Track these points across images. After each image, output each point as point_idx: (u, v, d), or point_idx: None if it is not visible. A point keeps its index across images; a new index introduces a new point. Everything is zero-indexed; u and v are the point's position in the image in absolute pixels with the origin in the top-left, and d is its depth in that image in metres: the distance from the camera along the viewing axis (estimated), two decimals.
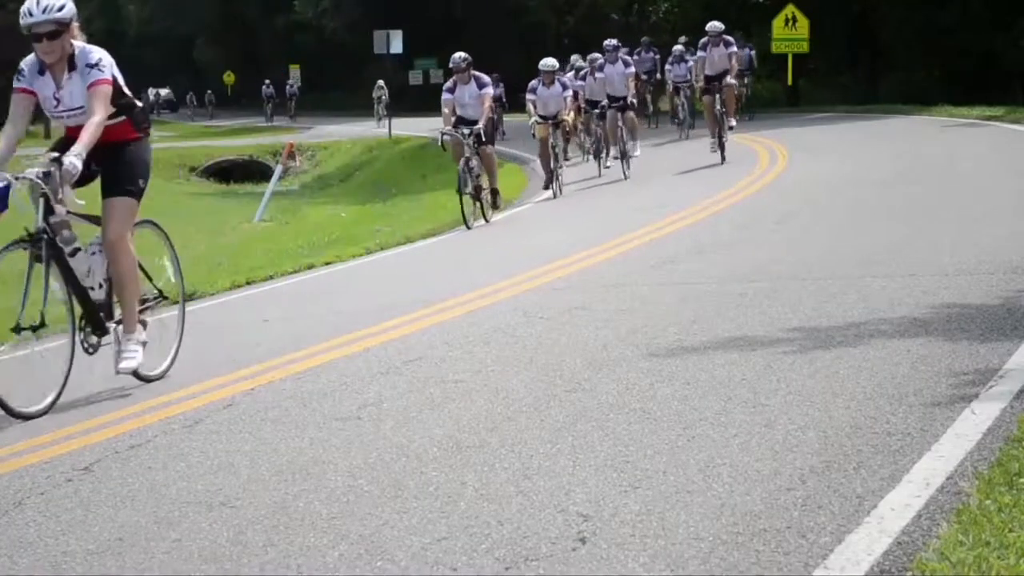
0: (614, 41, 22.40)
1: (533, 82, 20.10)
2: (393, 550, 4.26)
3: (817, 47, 34.15)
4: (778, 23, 35.28)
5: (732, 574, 3.85)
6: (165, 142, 54.24)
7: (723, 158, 21.01)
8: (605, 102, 22.05)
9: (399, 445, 5.56)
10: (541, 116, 19.69)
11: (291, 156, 28.53)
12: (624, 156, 21.22)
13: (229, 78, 76.09)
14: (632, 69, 22.33)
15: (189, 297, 12.06)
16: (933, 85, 36.41)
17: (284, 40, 75.36)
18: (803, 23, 34.05)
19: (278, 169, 27.18)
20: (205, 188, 39.92)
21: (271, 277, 13.23)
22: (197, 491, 5.16)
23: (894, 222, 12.07)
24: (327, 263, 14.04)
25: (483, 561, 4.10)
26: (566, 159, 20.88)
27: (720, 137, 21.35)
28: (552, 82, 19.91)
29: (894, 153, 20.13)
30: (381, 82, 51.27)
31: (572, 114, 20.30)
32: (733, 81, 22.31)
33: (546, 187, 19.65)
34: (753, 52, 30.36)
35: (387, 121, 47.08)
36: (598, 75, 22.62)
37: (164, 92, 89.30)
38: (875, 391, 5.80)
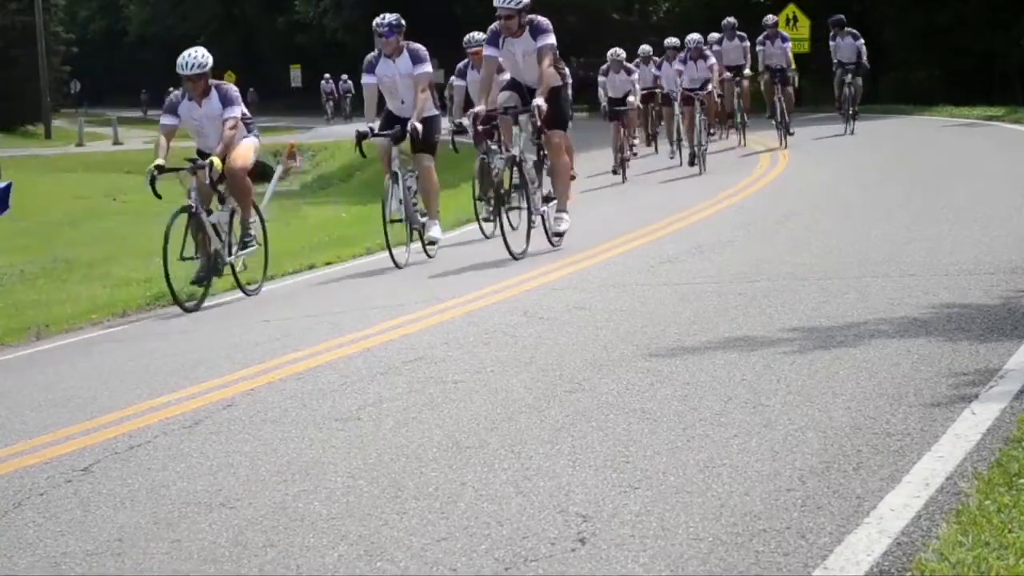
0: (478, 35, 14.31)
1: (366, 78, 12.72)
2: (393, 550, 4.26)
3: (819, 47, 34.09)
4: (779, 23, 35.24)
5: (732, 574, 3.85)
6: None
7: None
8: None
9: (399, 445, 5.56)
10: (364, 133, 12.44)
11: (292, 156, 28.49)
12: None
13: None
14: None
15: (189, 297, 12.10)
16: (933, 85, 36.42)
17: (284, 40, 75.35)
18: (804, 23, 34.03)
19: (278, 169, 27.12)
20: None
21: (271, 277, 13.23)
22: (197, 491, 5.16)
23: (894, 222, 12.06)
24: (327, 263, 14.03)
25: (483, 561, 4.10)
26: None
27: (616, 168, 19.70)
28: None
29: (894, 153, 20.13)
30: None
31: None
32: (634, 101, 20.70)
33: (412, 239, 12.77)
34: (862, 42, 24.14)
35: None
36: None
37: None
38: (875, 391, 5.80)
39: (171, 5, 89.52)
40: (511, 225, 12.12)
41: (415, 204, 12.71)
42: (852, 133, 23.74)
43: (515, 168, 11.81)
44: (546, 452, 5.24)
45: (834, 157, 20.44)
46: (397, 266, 12.33)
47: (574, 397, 6.16)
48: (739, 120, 24.18)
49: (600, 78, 21.95)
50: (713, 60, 22.17)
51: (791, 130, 22.85)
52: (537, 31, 11.85)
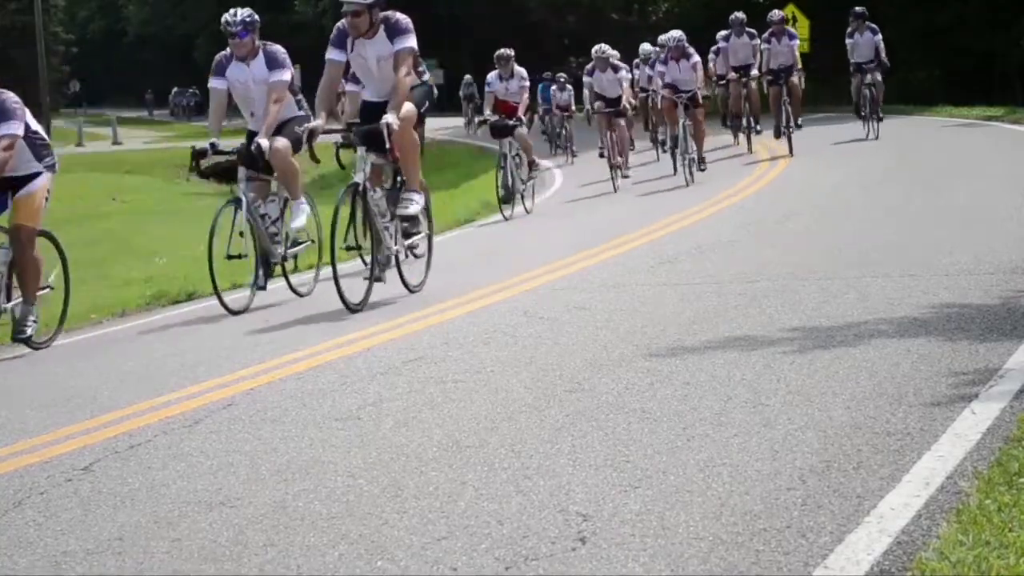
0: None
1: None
2: (393, 550, 4.26)
3: (818, 47, 34.10)
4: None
5: (732, 574, 3.85)
6: (166, 142, 54.26)
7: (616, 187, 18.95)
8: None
9: (399, 445, 5.56)
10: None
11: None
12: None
13: None
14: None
15: (189, 297, 12.09)
16: (933, 85, 36.42)
17: (284, 40, 75.13)
18: (803, 23, 33.99)
19: None
20: (205, 188, 39.77)
21: (271, 277, 13.20)
22: (197, 491, 5.16)
23: (893, 222, 12.07)
24: (327, 263, 14.00)
25: (483, 561, 4.10)
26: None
27: (613, 176, 19.16)
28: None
29: (894, 153, 20.12)
30: (469, 77, 43.16)
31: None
32: (628, 101, 19.73)
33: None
34: (880, 38, 22.46)
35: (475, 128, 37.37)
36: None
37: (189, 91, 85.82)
38: (875, 391, 5.80)
39: (171, 5, 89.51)
40: (379, 267, 9.93)
41: (276, 235, 10.75)
42: (877, 137, 22.19)
43: (357, 200, 9.70)
44: (546, 452, 5.24)
45: (833, 157, 20.43)
46: (231, 312, 10.23)
47: (574, 397, 6.16)
48: (746, 124, 22.45)
49: (585, 78, 20.38)
50: (697, 59, 19.68)
51: (799, 123, 21.69)
52: (395, 31, 9.74)
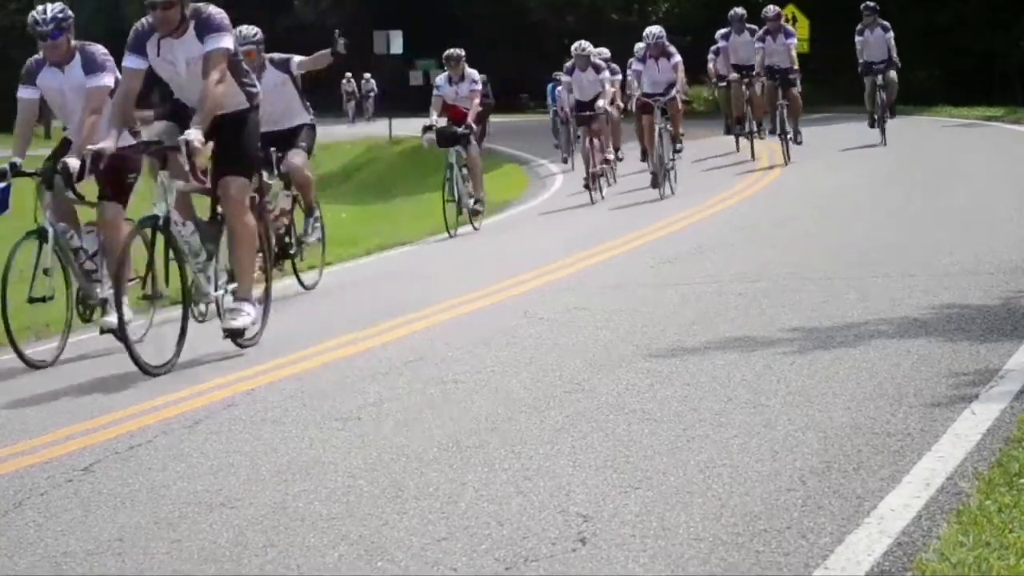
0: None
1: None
2: (393, 550, 4.26)
3: (817, 47, 34.10)
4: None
5: (732, 574, 3.85)
6: None
7: (593, 197, 17.35)
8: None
9: (399, 445, 5.56)
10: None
11: None
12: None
13: None
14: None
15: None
16: (933, 85, 36.41)
17: (284, 40, 75.20)
18: (803, 23, 33.95)
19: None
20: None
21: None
22: (197, 491, 5.16)
23: (894, 222, 12.07)
24: (327, 263, 14.01)
25: (483, 561, 4.10)
26: None
27: (588, 183, 17.43)
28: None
29: (894, 153, 20.12)
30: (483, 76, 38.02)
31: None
32: (604, 106, 17.72)
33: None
34: (891, 35, 21.58)
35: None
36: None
37: None
38: (875, 391, 5.80)
39: None
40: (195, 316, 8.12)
41: (94, 273, 9.05)
42: (885, 144, 20.76)
43: (158, 236, 7.97)
44: (546, 452, 5.24)
45: (833, 159, 20.41)
46: (31, 365, 8.61)
47: (574, 397, 6.16)
48: (748, 129, 21.04)
49: (564, 77, 19.06)
50: (678, 59, 17.91)
51: (799, 139, 19.95)
52: (206, 29, 7.97)
